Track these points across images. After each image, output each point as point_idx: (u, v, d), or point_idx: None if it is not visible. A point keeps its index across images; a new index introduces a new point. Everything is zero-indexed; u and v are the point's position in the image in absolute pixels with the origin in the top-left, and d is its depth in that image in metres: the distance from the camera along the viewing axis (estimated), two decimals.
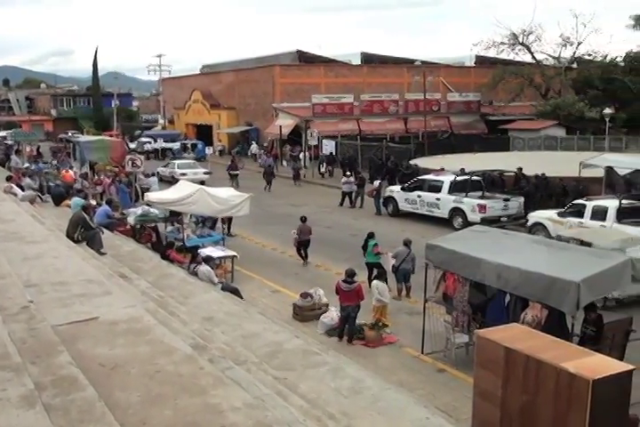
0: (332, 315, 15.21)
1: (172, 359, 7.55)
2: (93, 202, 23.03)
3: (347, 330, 14.56)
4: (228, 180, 38.68)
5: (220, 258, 18.75)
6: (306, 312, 15.93)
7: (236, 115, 61.63)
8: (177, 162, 42.70)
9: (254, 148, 55.15)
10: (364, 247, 18.59)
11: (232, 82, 62.02)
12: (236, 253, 19.29)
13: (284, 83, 55.72)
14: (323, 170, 42.70)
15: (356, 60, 63.98)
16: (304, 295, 16.09)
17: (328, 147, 47.11)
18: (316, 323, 15.44)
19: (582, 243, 16.10)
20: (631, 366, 8.29)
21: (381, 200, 30.25)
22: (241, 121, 60.97)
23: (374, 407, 9.74)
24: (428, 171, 31.92)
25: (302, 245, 21.52)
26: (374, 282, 15.78)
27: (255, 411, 6.43)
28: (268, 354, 10.58)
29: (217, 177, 40.43)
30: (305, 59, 61.17)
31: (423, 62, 63.88)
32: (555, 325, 11.20)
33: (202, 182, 32.46)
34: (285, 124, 51.88)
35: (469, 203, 25.98)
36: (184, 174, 38.01)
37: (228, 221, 23.96)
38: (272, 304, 16.97)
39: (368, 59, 63.61)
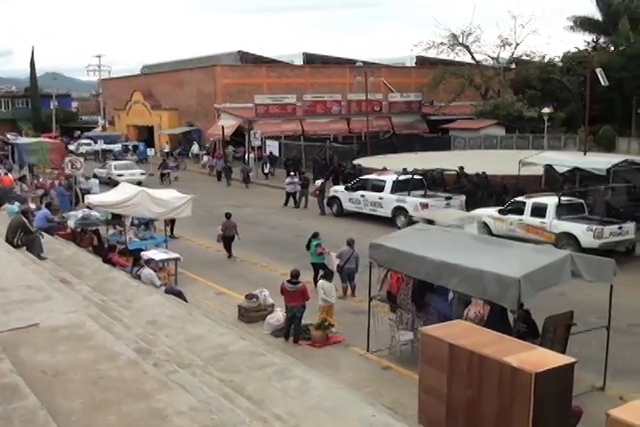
0: (278, 316, 15.19)
1: (115, 364, 7.43)
2: (33, 206, 22.51)
3: (293, 330, 14.55)
4: (159, 178, 39.76)
5: (162, 260, 18.54)
6: (251, 313, 15.87)
7: (178, 115, 61.03)
8: (113, 163, 42.56)
9: (195, 148, 54.74)
10: (308, 247, 18.61)
11: (173, 82, 61.39)
12: (179, 256, 19.09)
13: (226, 83, 55.41)
14: (266, 171, 42.64)
15: (299, 61, 64.03)
16: (249, 296, 16.03)
17: (271, 147, 47.05)
18: (262, 324, 15.39)
19: (429, 222, 19.69)
20: (572, 359, 8.49)
21: (325, 200, 30.34)
22: (183, 122, 60.40)
23: (321, 407, 9.74)
24: (371, 170, 32.14)
25: (227, 241, 22.09)
26: (320, 282, 15.79)
27: (200, 414, 6.37)
28: (213, 357, 10.49)
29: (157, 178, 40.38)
30: (247, 59, 60.95)
31: (365, 63, 64.29)
32: (497, 320, 11.38)
33: (139, 183, 32.16)
34: (228, 124, 51.58)
35: (412, 202, 26.22)
36: (121, 175, 38.07)
37: (171, 223, 23.73)
38: (217, 306, 16.85)
39: (310, 59, 63.72)
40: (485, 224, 23.77)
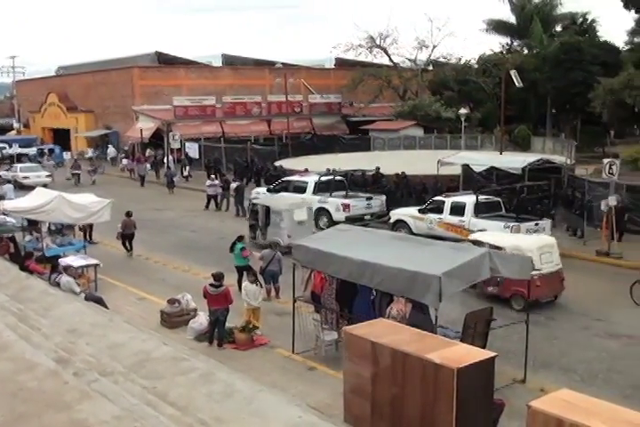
0: (201, 320, 15.04)
1: (34, 375, 7.23)
2: None
3: (216, 334, 14.43)
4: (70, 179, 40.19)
5: (81, 267, 18.12)
6: (174, 318, 15.66)
7: (95, 118, 59.72)
8: (19, 165, 42.33)
9: (112, 151, 53.66)
10: (232, 250, 18.48)
11: (89, 84, 60.03)
12: (98, 262, 18.70)
13: (144, 85, 54.50)
14: (185, 173, 42.14)
15: (218, 62, 63.55)
16: (171, 301, 15.81)
17: (191, 150, 46.57)
18: (186, 329, 15.21)
19: (266, 208, 23.17)
20: (493, 354, 8.68)
21: (245, 202, 30.21)
22: (100, 124, 59.16)
23: (246, 410, 9.68)
24: (292, 172, 32.16)
25: (127, 238, 22.72)
26: (244, 284, 15.72)
27: (124, 423, 6.26)
28: (135, 364, 10.28)
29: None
30: (165, 60, 60.10)
31: (284, 64, 64.32)
32: (419, 317, 11.55)
33: (44, 185, 31.42)
34: (146, 127, 50.80)
35: (334, 202, 26.38)
36: (26, 178, 38.08)
37: (89, 228, 23.21)
38: (139, 312, 16.56)
39: (229, 60, 63.34)
40: (406, 223, 24.13)
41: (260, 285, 16.19)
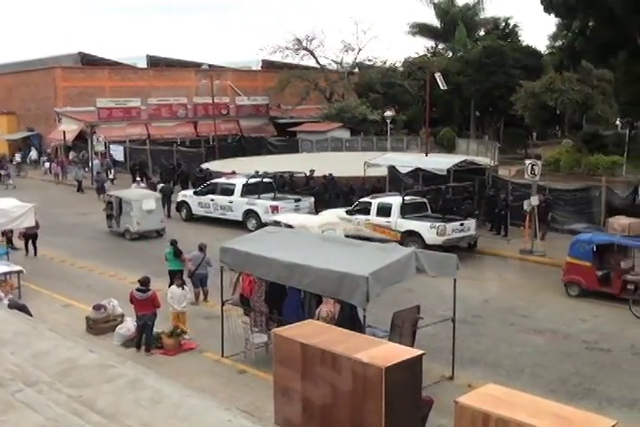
0: (128, 325, 14.80)
1: None
2: None
3: (144, 340, 14.22)
4: None
5: (4, 274, 17.60)
6: (100, 325, 15.37)
7: (17, 120, 58.09)
8: None
9: (34, 154, 52.30)
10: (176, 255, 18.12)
11: (11, 85, 58.30)
12: (21, 268, 18.19)
13: (67, 86, 53.28)
14: (111, 176, 41.36)
15: (142, 63, 62.59)
16: (97, 307, 15.51)
17: (116, 152, 45.78)
18: (112, 335, 14.94)
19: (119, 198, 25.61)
20: (420, 352, 8.79)
21: (172, 204, 29.89)
22: (22, 127, 57.56)
23: (175, 416, 9.55)
24: (219, 174, 31.96)
25: (29, 238, 22.45)
26: (170, 288, 15.54)
27: None
28: (60, 372, 10.02)
29: None
30: (88, 61, 58.79)
31: (210, 66, 63.86)
32: (347, 318, 11.63)
33: None
34: (70, 129, 49.64)
35: (262, 204, 26.34)
36: None
37: (11, 233, 22.55)
38: (64, 319, 16.19)
39: (154, 62, 62.44)
40: None
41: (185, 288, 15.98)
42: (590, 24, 26.30)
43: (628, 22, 23.69)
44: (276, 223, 20.17)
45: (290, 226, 19.44)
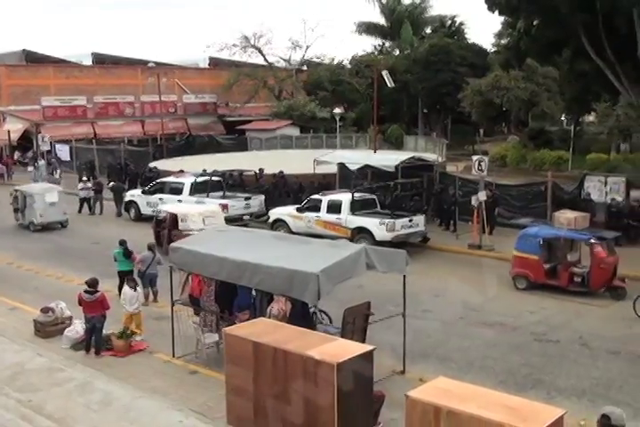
0: (77, 328, 14.54)
1: None
2: None
3: (93, 342, 13.98)
4: None
5: None
6: (48, 328, 15.06)
7: None
8: None
9: None
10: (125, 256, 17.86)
11: None
12: None
13: (11, 84, 52.06)
14: (57, 176, 40.59)
15: (88, 61, 61.56)
16: (45, 310, 15.20)
17: (62, 152, 45.00)
18: (61, 338, 14.66)
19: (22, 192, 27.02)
20: (371, 347, 8.86)
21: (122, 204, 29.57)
22: None
23: (126, 418, 9.48)
24: (168, 173, 31.65)
25: None
26: (123, 289, 15.33)
27: None
28: (9, 377, 9.90)
29: None
30: (33, 59, 57.52)
31: (157, 63, 63.13)
32: (299, 315, 11.62)
33: None
34: (14, 128, 48.66)
35: (211, 203, 26.13)
36: None
37: None
38: (11, 323, 15.85)
39: (100, 59, 61.40)
40: (285, 222, 24.25)
41: (138, 289, 15.79)
42: (535, 23, 26.72)
43: (572, 21, 24.12)
44: (161, 213, 22.69)
45: (174, 215, 21.76)
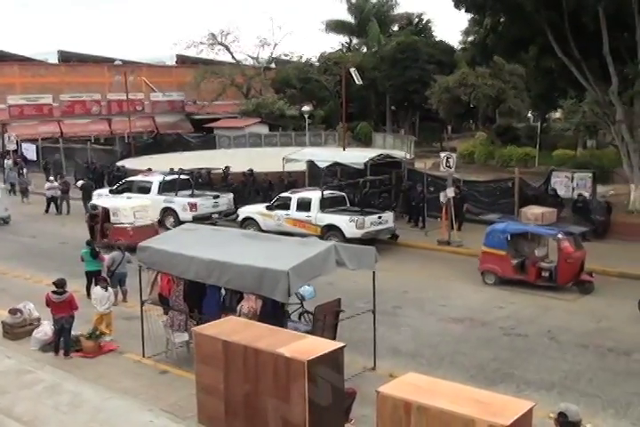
0: (46, 329, 14.37)
1: None
2: None
3: (62, 343, 13.83)
4: None
5: None
6: (16, 329, 14.87)
7: None
8: None
9: None
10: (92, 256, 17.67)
11: None
12: None
13: None
14: (24, 176, 40.03)
15: (54, 59, 60.83)
16: (13, 311, 15.00)
17: (28, 151, 44.47)
18: (29, 339, 14.48)
19: None
20: (341, 344, 8.88)
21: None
22: None
23: (96, 419, 9.41)
24: (135, 172, 31.42)
25: None
26: (94, 289, 15.19)
27: None
28: None
29: None
30: None
31: (124, 61, 62.62)
32: (270, 313, 11.61)
33: None
34: None
35: (180, 202, 26.02)
36: None
37: None
38: None
39: (66, 57, 60.67)
40: (255, 221, 24.21)
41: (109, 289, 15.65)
42: (501, 20, 26.91)
43: (537, 18, 24.32)
44: (94, 207, 23.62)
45: (106, 209, 22.82)
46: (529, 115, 56.23)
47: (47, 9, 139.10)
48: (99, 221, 22.98)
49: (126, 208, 22.75)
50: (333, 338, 11.92)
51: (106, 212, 22.88)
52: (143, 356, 13.54)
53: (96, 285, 15.42)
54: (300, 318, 13.86)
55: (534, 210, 19.82)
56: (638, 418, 10.95)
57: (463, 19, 53.42)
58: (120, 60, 62.99)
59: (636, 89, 23.56)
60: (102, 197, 26.93)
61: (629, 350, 13.83)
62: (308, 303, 13.22)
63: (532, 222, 18.81)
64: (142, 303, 13.67)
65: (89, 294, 16.58)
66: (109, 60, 62.03)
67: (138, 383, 12.37)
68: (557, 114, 54.74)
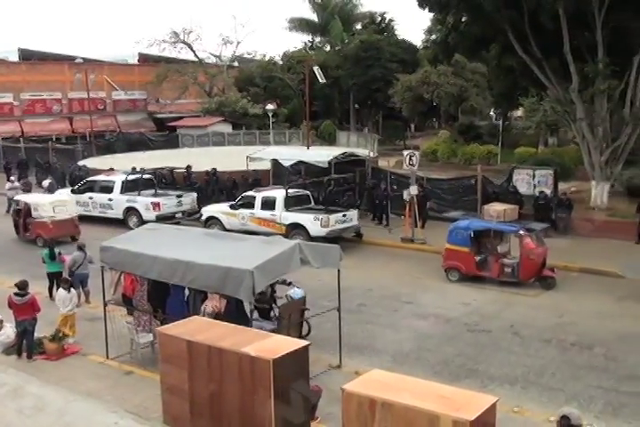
0: (8, 332, 14.16)
1: None
2: None
3: (25, 346, 13.65)
4: None
5: None
6: None
7: None
8: None
9: None
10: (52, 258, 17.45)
11: None
12: None
13: None
14: None
15: (14, 57, 59.84)
16: None
17: None
18: None
19: None
20: (306, 342, 8.90)
21: None
22: None
23: (60, 422, 9.30)
24: (98, 171, 31.09)
25: None
26: (57, 291, 15.00)
27: None
28: None
29: None
30: None
31: (85, 60, 61.86)
32: (234, 312, 11.58)
33: None
34: None
35: (143, 201, 25.79)
36: None
37: None
38: None
39: (27, 55, 59.73)
40: (219, 220, 24.11)
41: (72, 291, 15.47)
42: (463, 19, 27.14)
43: (498, 17, 24.58)
44: (17, 203, 24.60)
45: (28, 204, 23.49)
46: (491, 113, 56.75)
47: (7, 6, 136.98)
48: (21, 215, 23.82)
49: (45, 203, 23.59)
50: (299, 336, 11.94)
51: (27, 207, 23.63)
52: (107, 357, 13.42)
53: (58, 286, 15.24)
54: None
55: (497, 207, 20.11)
56: (601, 411, 11.14)
57: (426, 18, 53.93)
58: (81, 58, 62.15)
59: (597, 87, 23.91)
60: (24, 194, 27.14)
61: (591, 344, 14.06)
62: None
63: (495, 219, 19.05)
64: (105, 304, 13.55)
65: (51, 296, 16.41)
66: (71, 59, 61.14)
67: (102, 385, 12.26)
68: (519, 112, 55.27)
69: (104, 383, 12.36)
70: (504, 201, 22.82)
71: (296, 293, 13.59)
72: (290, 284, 14.07)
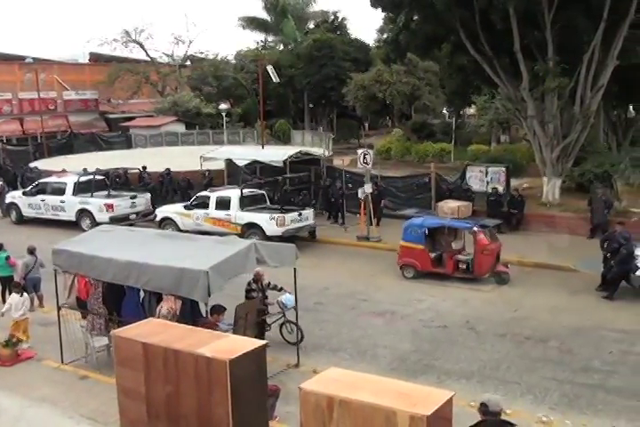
0: None
1: None
2: None
3: None
4: None
5: None
6: None
7: None
8: None
9: None
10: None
11: None
12: None
13: None
14: None
15: None
16: None
17: None
18: None
19: None
20: (263, 342, 8.86)
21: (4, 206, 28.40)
22: None
23: None
24: (49, 173, 30.61)
25: None
26: (11, 296, 14.72)
27: None
28: None
29: None
30: None
31: (35, 59, 60.76)
32: (189, 313, 11.51)
33: None
34: None
35: (96, 203, 25.48)
36: None
37: None
38: None
39: None
40: (173, 220, 23.94)
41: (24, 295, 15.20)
42: (414, 18, 27.31)
43: (449, 16, 24.81)
44: None
45: None
46: (444, 111, 57.26)
47: None
48: None
49: None
50: (260, 336, 11.93)
51: None
52: (62, 362, 13.24)
53: (10, 290, 14.97)
54: (281, 329, 13.92)
55: (450, 204, 20.26)
56: (556, 402, 11.35)
57: (378, 17, 54.19)
58: (31, 57, 61.04)
59: (547, 85, 24.28)
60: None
61: (545, 338, 14.31)
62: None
63: (449, 216, 19.22)
64: (59, 308, 13.35)
65: (4, 300, 16.10)
66: (20, 58, 60.04)
67: (57, 390, 12.09)
68: (472, 110, 55.92)
69: (59, 389, 12.19)
70: (458, 198, 23.04)
71: (288, 298, 13.51)
72: (281, 289, 13.99)
